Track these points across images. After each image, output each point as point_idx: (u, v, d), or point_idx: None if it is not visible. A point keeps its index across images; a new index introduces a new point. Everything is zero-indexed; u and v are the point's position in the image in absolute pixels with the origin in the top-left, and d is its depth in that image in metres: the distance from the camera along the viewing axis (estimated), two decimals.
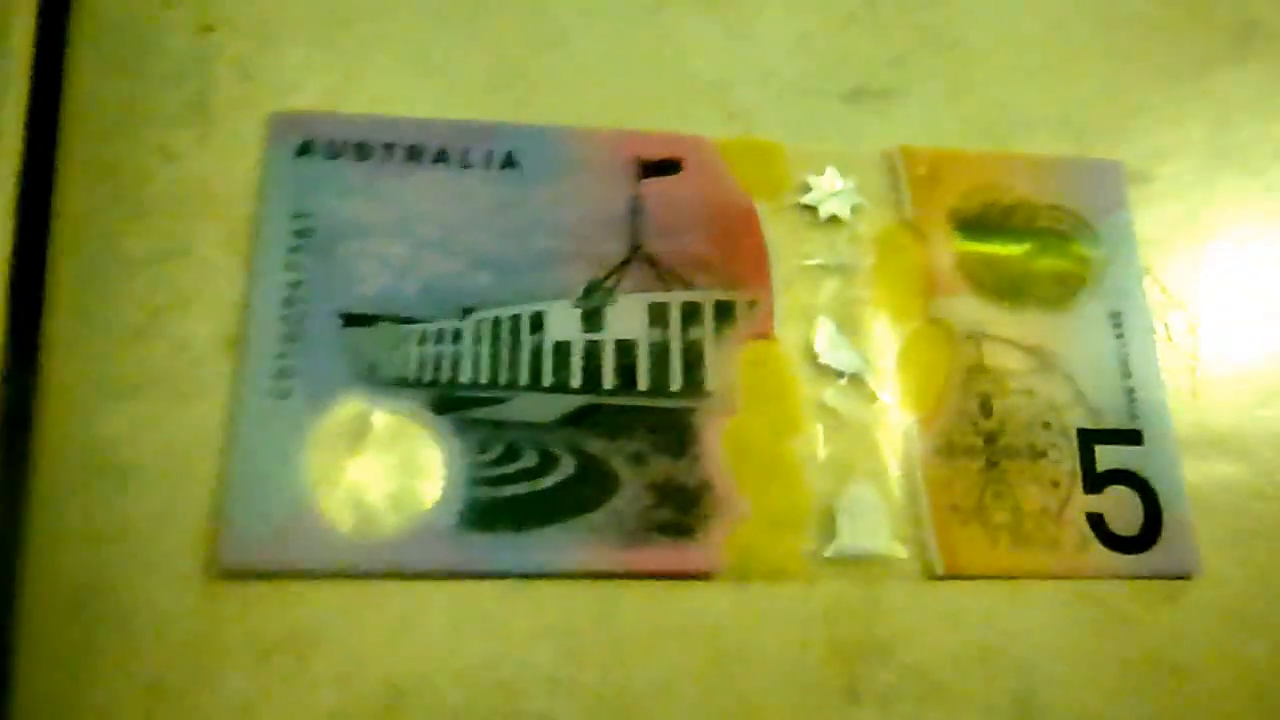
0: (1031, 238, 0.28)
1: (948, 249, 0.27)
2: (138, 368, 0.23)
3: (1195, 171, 0.30)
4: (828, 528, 0.24)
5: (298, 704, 0.21)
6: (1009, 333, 0.27)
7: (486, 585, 0.22)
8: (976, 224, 0.27)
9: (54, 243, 0.24)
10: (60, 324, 0.23)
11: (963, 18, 0.30)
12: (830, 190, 0.27)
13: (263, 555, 0.22)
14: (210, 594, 0.22)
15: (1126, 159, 0.29)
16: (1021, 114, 0.29)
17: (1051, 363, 0.26)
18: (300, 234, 0.24)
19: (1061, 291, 0.27)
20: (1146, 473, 0.26)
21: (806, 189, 0.27)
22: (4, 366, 0.23)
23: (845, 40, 0.29)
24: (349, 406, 0.23)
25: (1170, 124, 0.30)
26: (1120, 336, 0.27)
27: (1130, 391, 0.26)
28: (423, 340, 0.24)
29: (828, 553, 0.24)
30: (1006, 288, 0.27)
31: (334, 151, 0.25)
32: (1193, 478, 0.26)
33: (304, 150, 0.25)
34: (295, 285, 0.24)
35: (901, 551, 0.24)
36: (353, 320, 0.24)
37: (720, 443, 0.24)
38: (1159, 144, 0.30)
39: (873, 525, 0.24)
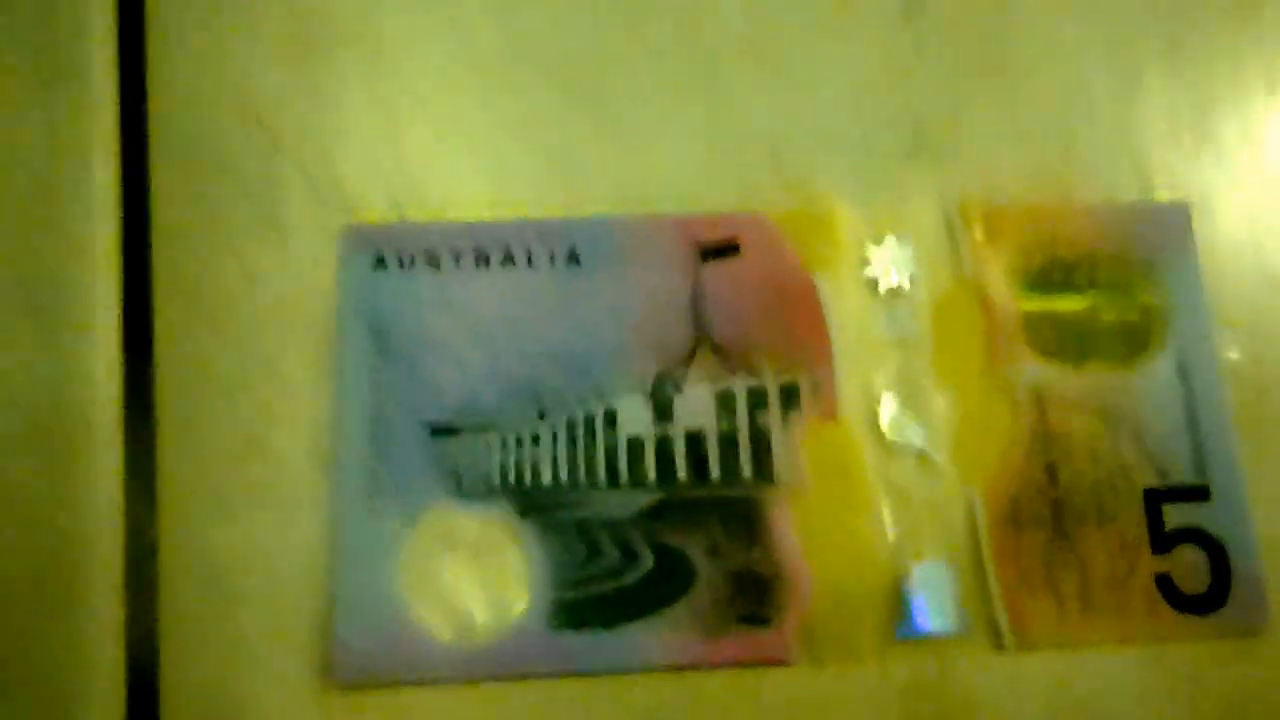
0: (1095, 291, 0.28)
1: (1010, 310, 0.27)
2: (241, 488, 0.25)
3: (1265, 199, 0.29)
4: (899, 607, 0.25)
5: None
6: (1074, 394, 0.27)
7: (577, 683, 0.24)
8: (1039, 281, 0.28)
9: (157, 370, 0.25)
10: (169, 450, 0.25)
11: (1017, 53, 0.29)
12: (890, 260, 0.27)
13: (370, 666, 0.24)
14: (325, 704, 0.24)
15: (1193, 195, 0.29)
16: (1083, 156, 0.29)
17: (1118, 422, 0.27)
18: (380, 348, 0.26)
19: (1127, 346, 0.27)
20: (1215, 529, 0.26)
21: (866, 260, 0.27)
22: (124, 494, 0.25)
23: (900, 90, 0.29)
24: (439, 517, 0.25)
25: (1239, 151, 0.29)
26: (1188, 388, 0.27)
27: (1198, 446, 0.27)
28: (504, 446, 0.25)
29: (899, 632, 0.25)
30: (1070, 347, 0.27)
31: (406, 262, 0.26)
32: (1264, 530, 0.26)
33: (377, 263, 0.26)
34: (380, 399, 0.25)
35: (971, 627, 0.25)
36: (438, 431, 0.25)
37: (791, 528, 0.25)
38: (1228, 174, 0.29)
39: (942, 602, 0.25)
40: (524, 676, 0.24)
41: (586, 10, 0.29)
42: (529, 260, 0.27)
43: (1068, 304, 0.27)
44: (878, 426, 0.26)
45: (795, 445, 0.26)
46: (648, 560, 0.25)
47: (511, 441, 0.25)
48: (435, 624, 0.24)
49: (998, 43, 0.29)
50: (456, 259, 0.26)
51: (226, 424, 0.25)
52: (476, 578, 0.24)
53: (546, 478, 0.25)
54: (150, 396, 0.25)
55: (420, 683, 0.24)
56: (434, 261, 0.26)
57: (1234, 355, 0.27)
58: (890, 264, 0.27)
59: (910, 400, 0.26)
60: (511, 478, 0.25)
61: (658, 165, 0.28)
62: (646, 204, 0.27)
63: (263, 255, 0.26)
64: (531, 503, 0.25)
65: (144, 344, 0.26)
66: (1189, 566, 0.26)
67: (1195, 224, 0.28)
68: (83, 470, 0.24)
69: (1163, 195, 0.29)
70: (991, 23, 0.30)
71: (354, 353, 0.26)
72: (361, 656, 0.24)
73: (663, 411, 0.26)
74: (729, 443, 0.26)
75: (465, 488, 0.25)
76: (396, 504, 0.25)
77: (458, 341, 0.26)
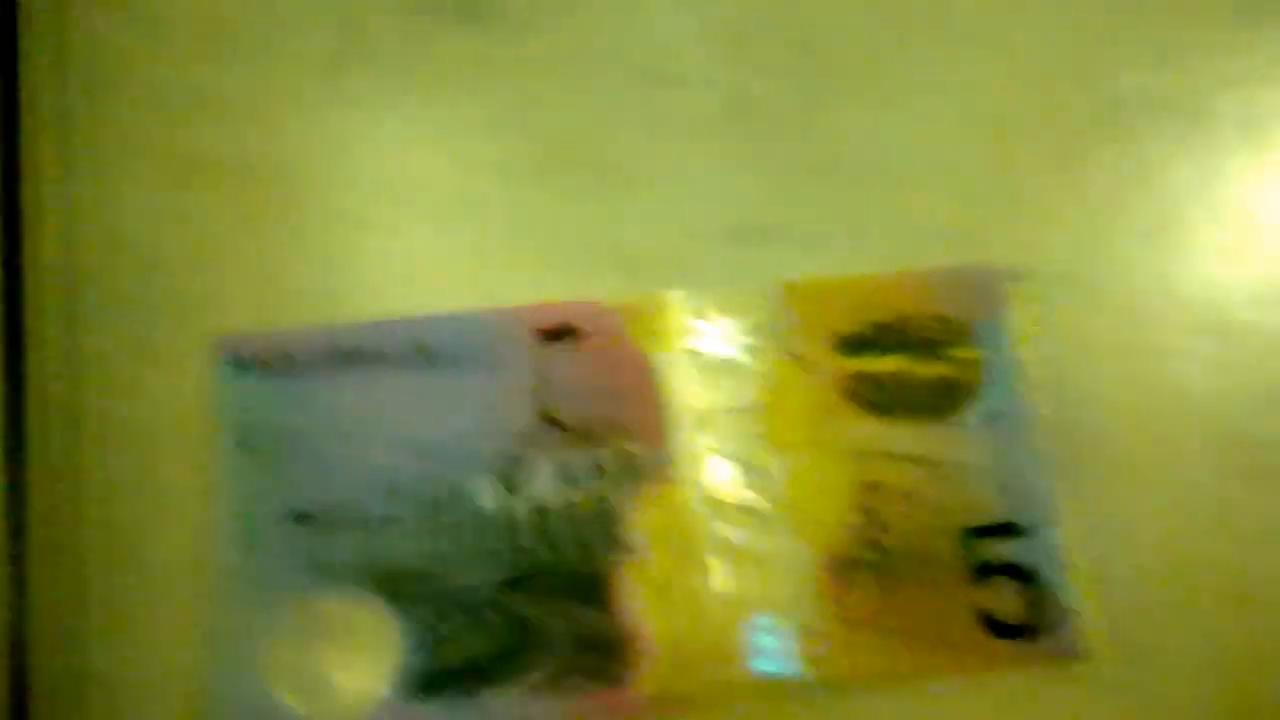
0: (912, 350, 0.30)
1: (834, 374, 0.30)
2: (119, 593, 0.27)
3: (1071, 261, 0.32)
4: (740, 656, 0.27)
5: None
6: (897, 447, 0.29)
7: None
8: (860, 345, 0.30)
9: (31, 484, 0.27)
10: (44, 558, 0.27)
11: (839, 144, 0.32)
12: (720, 335, 0.30)
13: None
14: None
15: (1003, 259, 0.31)
16: (904, 231, 0.31)
17: (938, 469, 0.29)
18: (248, 449, 0.28)
19: (944, 399, 0.30)
20: (1030, 562, 0.28)
21: (697, 336, 0.30)
22: (5, 605, 0.26)
23: (727, 180, 0.32)
24: (304, 603, 0.27)
25: (1044, 216, 0.32)
26: (1003, 436, 0.29)
27: (1011, 487, 0.29)
28: (364, 531, 0.27)
29: (741, 679, 0.27)
30: (891, 403, 0.30)
31: (270, 367, 0.28)
32: (1079, 563, 0.28)
33: (244, 370, 0.28)
34: (247, 498, 0.27)
35: (807, 670, 0.27)
36: (301, 521, 0.27)
37: (636, 591, 0.27)
38: (1035, 238, 0.32)
39: (777, 648, 0.27)
40: None
41: (439, 126, 0.31)
42: (384, 357, 0.29)
43: (888, 364, 0.30)
44: (714, 490, 0.28)
45: (637, 513, 0.28)
46: (501, 630, 0.27)
47: (372, 527, 0.27)
48: (303, 706, 0.26)
49: (819, 130, 0.32)
50: (316, 360, 0.29)
51: (104, 535, 0.27)
52: (340, 657, 0.26)
53: (404, 559, 0.27)
54: (24, 515, 0.27)
55: None
56: (295, 364, 0.29)
57: (1043, 404, 0.30)
58: (720, 339, 0.30)
59: (744, 464, 0.29)
60: (371, 561, 0.27)
61: (503, 262, 0.30)
62: (493, 299, 0.30)
63: (136, 370, 0.28)
64: (391, 583, 0.27)
65: (19, 465, 0.27)
66: (1006, 597, 0.28)
67: (1009, 287, 0.31)
68: None
69: (977, 260, 0.31)
70: (812, 113, 0.32)
71: (223, 456, 0.28)
72: None
73: (512, 489, 0.28)
74: (575, 514, 0.28)
75: (328, 573, 0.27)
76: (263, 595, 0.27)
77: (319, 437, 0.28)
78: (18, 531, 0.27)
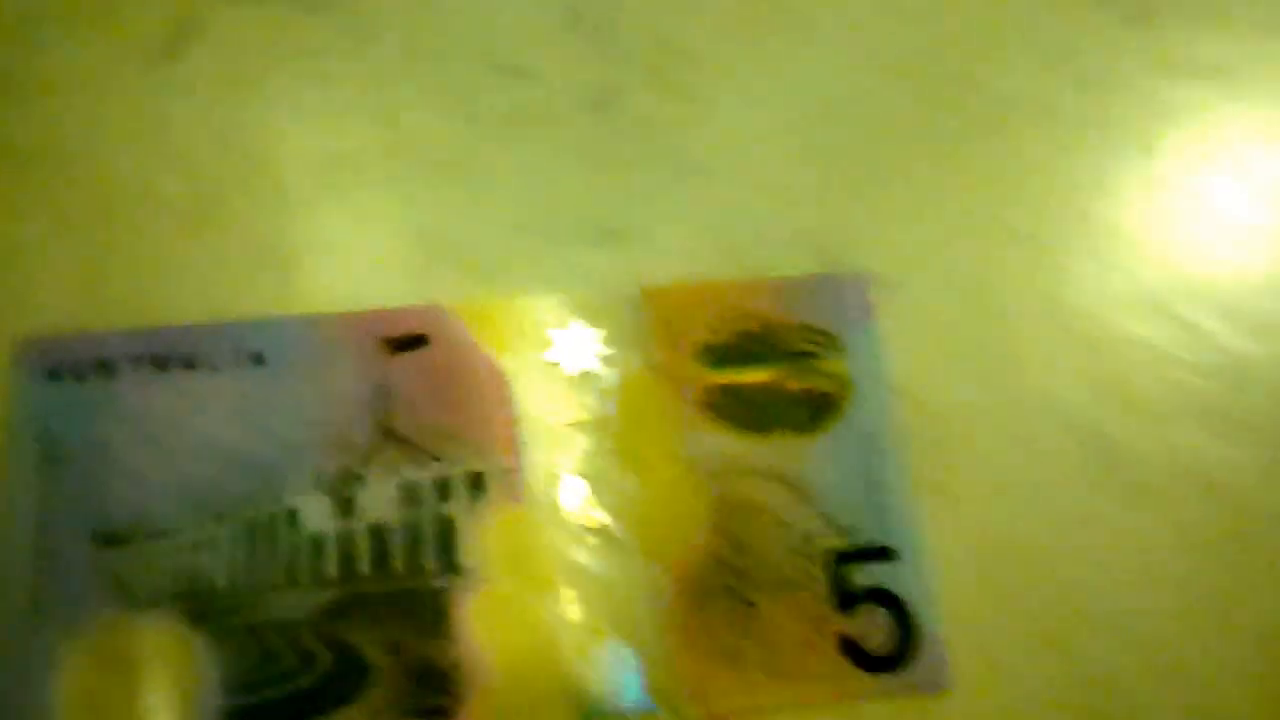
0: (780, 362, 0.29)
1: (696, 386, 0.28)
2: None
3: (943, 269, 0.31)
4: (584, 688, 0.25)
5: None
6: (760, 464, 0.28)
7: None
8: (724, 356, 0.28)
9: None
10: None
11: (704, 146, 0.31)
12: (576, 344, 0.28)
13: None
14: None
15: (875, 267, 0.30)
16: (769, 236, 0.30)
17: (803, 488, 0.28)
18: (49, 459, 0.25)
19: (811, 414, 0.28)
20: (898, 588, 0.27)
21: (550, 344, 0.28)
22: None
23: (590, 181, 0.30)
24: (104, 628, 0.24)
25: (917, 223, 0.31)
26: (871, 452, 0.28)
27: (881, 508, 0.27)
28: (176, 552, 0.25)
29: (584, 714, 0.25)
30: (756, 418, 0.28)
31: (80, 372, 0.26)
32: (947, 590, 0.27)
33: (49, 375, 0.26)
34: (46, 511, 0.25)
35: (656, 703, 0.25)
36: (107, 541, 0.25)
37: (475, 617, 0.25)
38: (906, 245, 0.31)
39: (626, 682, 0.25)
40: None
41: (277, 117, 0.29)
42: (210, 364, 0.27)
43: (752, 377, 0.28)
44: (563, 510, 0.27)
45: (481, 533, 0.26)
46: (325, 660, 0.25)
47: (186, 548, 0.25)
48: None
49: (686, 133, 0.31)
50: (133, 367, 0.26)
51: None
52: (142, 689, 0.24)
53: (221, 582, 0.25)
54: None
55: None
56: (109, 370, 0.26)
57: (912, 418, 0.29)
58: (576, 349, 0.28)
59: (597, 481, 0.27)
60: (184, 585, 0.25)
61: (345, 263, 0.28)
62: (333, 301, 0.28)
63: None
64: (204, 609, 0.25)
65: None
66: (874, 626, 0.26)
67: (877, 296, 0.30)
68: None
69: (847, 266, 0.30)
70: (680, 115, 0.31)
71: (21, 467, 0.25)
72: None
73: (345, 508, 0.26)
74: (413, 534, 0.26)
75: (134, 597, 0.24)
76: (58, 617, 0.24)
77: (131, 450, 0.26)
78: None
